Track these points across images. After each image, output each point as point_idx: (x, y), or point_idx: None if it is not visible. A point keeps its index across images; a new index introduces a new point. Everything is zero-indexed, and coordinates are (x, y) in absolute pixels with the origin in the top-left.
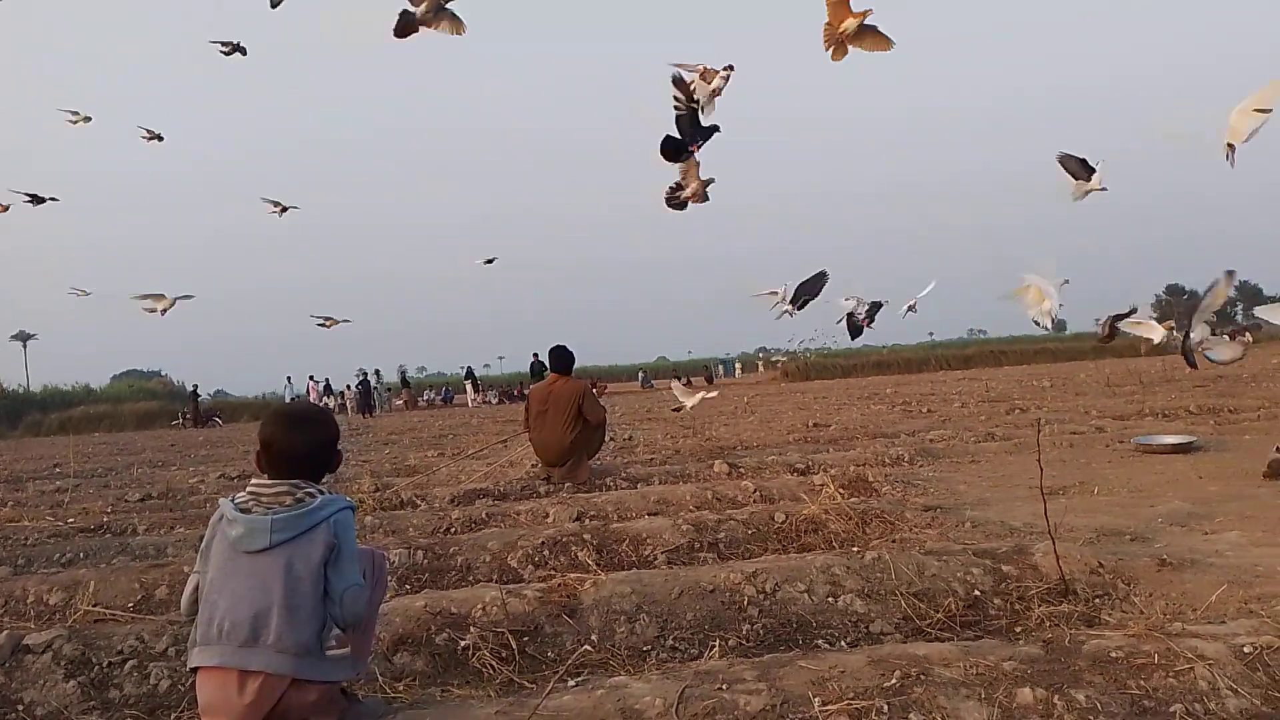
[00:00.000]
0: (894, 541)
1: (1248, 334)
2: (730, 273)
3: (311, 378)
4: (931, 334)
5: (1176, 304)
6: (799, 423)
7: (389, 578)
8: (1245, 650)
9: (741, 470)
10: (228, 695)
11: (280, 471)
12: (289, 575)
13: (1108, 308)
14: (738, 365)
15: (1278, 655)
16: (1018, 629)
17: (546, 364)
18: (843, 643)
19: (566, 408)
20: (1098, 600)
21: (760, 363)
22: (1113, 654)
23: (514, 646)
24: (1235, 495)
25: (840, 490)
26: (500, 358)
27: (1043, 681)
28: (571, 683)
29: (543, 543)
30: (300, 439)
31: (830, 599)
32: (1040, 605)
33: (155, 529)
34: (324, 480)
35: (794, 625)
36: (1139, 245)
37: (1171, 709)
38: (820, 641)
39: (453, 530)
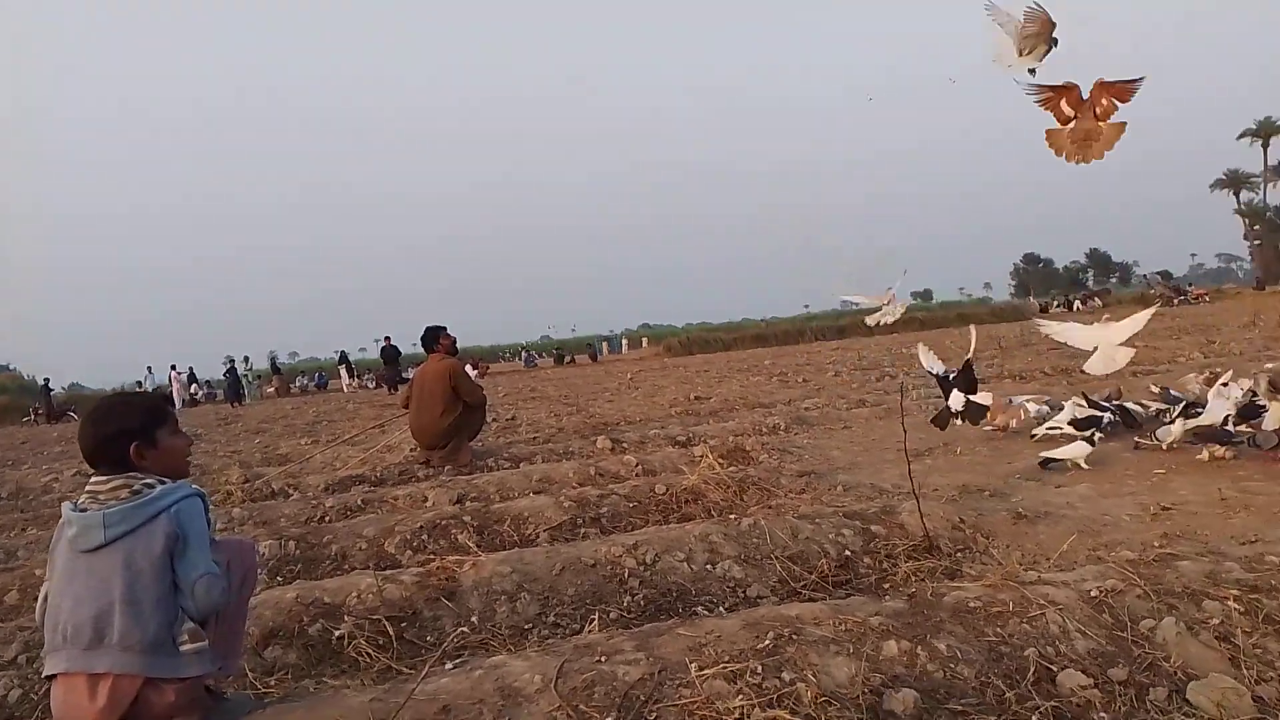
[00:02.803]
0: (770, 508)
1: (1097, 298)
2: (610, 247)
3: (174, 367)
4: (807, 306)
5: (1033, 272)
6: (681, 396)
7: (258, 570)
8: (1092, 594)
9: (624, 445)
10: (78, 701)
11: (103, 467)
12: (129, 570)
13: (973, 278)
14: (624, 341)
15: (1121, 598)
16: (886, 585)
17: (398, 348)
18: (721, 608)
19: (439, 389)
20: (960, 554)
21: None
22: (972, 604)
23: (391, 633)
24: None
25: (719, 460)
26: (376, 340)
27: (907, 634)
28: (449, 665)
29: (421, 527)
30: (88, 432)
31: (709, 566)
32: (907, 562)
33: (5, 531)
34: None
35: (674, 594)
36: (999, 217)
37: (1025, 653)
38: (700, 608)
39: (327, 519)
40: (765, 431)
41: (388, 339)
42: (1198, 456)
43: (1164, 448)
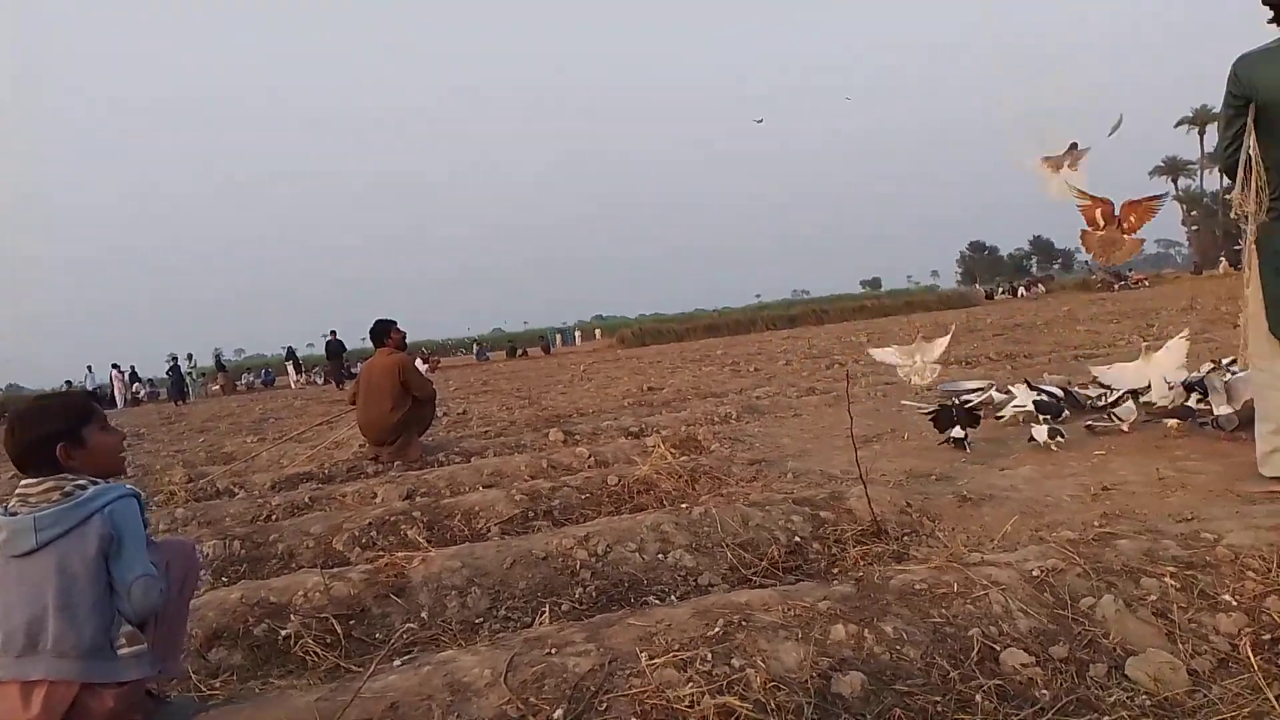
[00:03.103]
0: (721, 496)
1: (1040, 285)
2: (562, 239)
3: (115, 366)
4: (759, 296)
5: (979, 260)
6: (634, 387)
7: (201, 571)
8: (1034, 574)
9: (577, 437)
10: (12, 709)
11: (32, 470)
12: (62, 574)
13: (921, 266)
14: (577, 333)
15: (1062, 577)
16: (835, 570)
17: (343, 342)
18: (673, 597)
19: (388, 384)
20: (907, 538)
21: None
22: (917, 586)
23: (339, 631)
24: (1026, 433)
25: (671, 450)
26: (324, 336)
27: (854, 617)
28: (398, 662)
29: (370, 523)
30: (12, 438)
31: (661, 556)
32: (855, 546)
33: None
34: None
35: (626, 585)
36: (946, 207)
37: (970, 633)
38: (651, 598)
39: (273, 517)
40: (717, 421)
41: (333, 333)
42: (1159, 433)
43: (1125, 428)
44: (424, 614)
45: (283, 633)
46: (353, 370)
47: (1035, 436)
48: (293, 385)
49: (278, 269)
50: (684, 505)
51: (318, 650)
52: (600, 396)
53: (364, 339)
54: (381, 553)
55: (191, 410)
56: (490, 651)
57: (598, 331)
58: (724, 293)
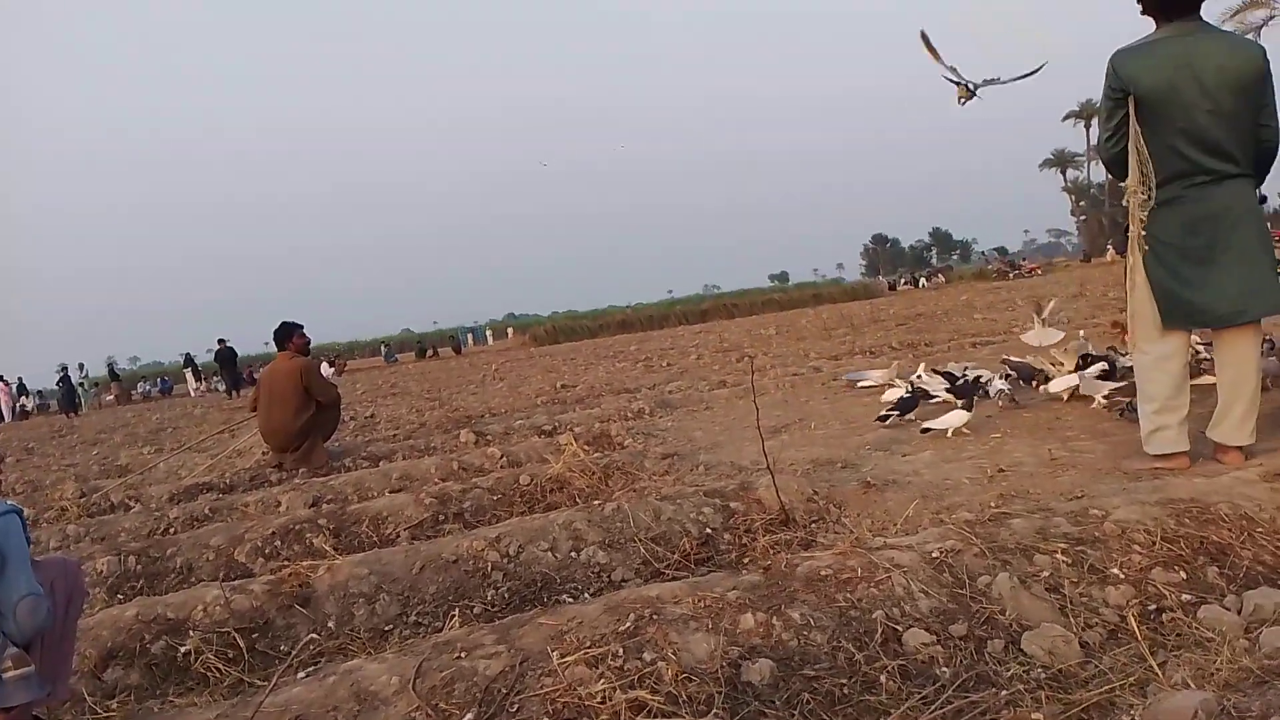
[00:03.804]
0: (634, 491)
1: (940, 275)
2: (472, 238)
3: (0, 378)
4: (671, 291)
5: (881, 252)
6: (547, 385)
7: (88, 589)
8: (934, 555)
9: (489, 437)
10: None
11: None
12: None
13: (827, 259)
14: (488, 332)
15: (960, 557)
16: (745, 560)
17: (235, 349)
18: (586, 594)
19: (290, 389)
20: (814, 525)
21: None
22: (823, 572)
23: (242, 645)
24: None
25: (584, 447)
26: (223, 341)
27: (763, 605)
28: (302, 674)
29: (273, 533)
30: None
31: (574, 554)
32: (765, 535)
33: None
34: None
35: (539, 584)
36: (849, 201)
37: (874, 615)
38: (565, 596)
39: (171, 530)
40: (630, 416)
41: (222, 342)
42: (1052, 415)
43: (1065, 398)
44: (330, 623)
45: (182, 649)
46: (254, 375)
47: (939, 425)
48: (192, 393)
49: (175, 275)
50: (597, 502)
51: (219, 666)
52: (512, 396)
53: (267, 343)
54: (286, 563)
55: (84, 422)
56: (398, 658)
57: (510, 330)
58: (637, 289)
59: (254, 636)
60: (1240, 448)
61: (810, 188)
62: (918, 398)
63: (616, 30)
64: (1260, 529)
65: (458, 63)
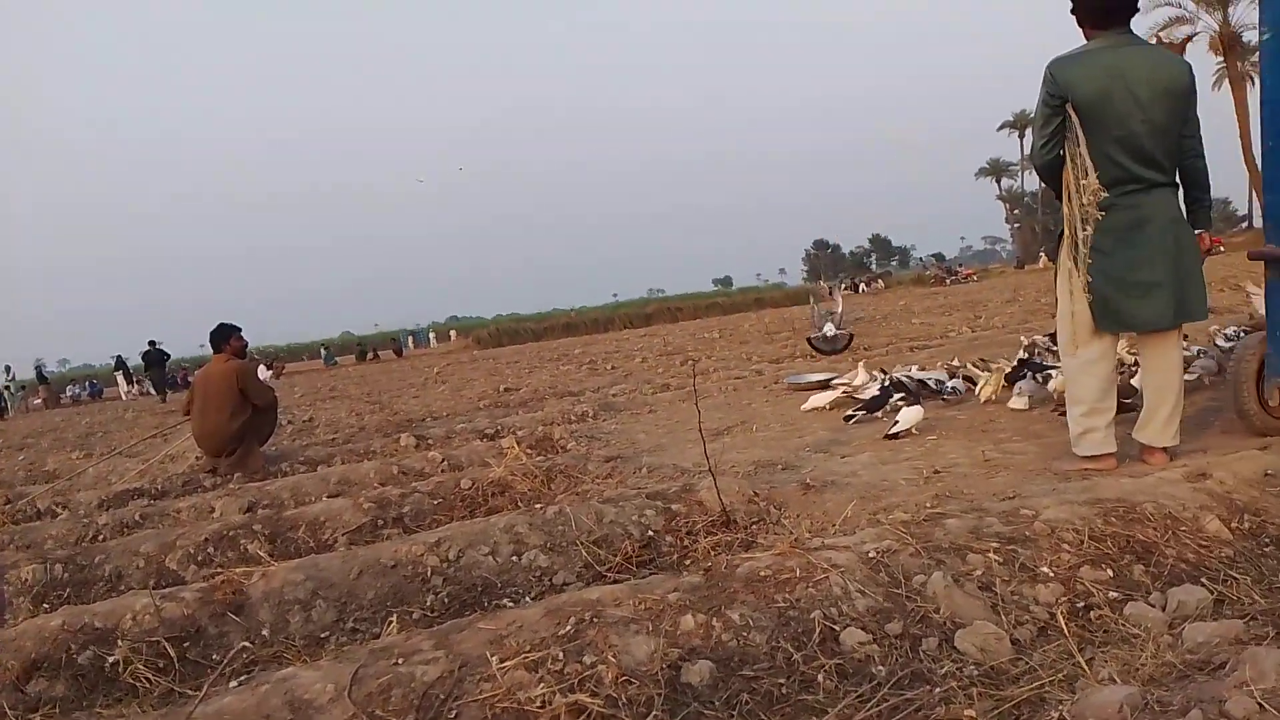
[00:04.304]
0: (577, 494)
1: (879, 280)
2: (410, 244)
3: None
4: (615, 295)
5: (822, 257)
6: (490, 389)
7: (16, 598)
8: (870, 555)
9: (430, 441)
10: None
11: None
12: None
13: (769, 265)
14: (432, 335)
15: (896, 557)
16: (687, 561)
17: (166, 351)
18: (527, 598)
19: (225, 392)
20: (754, 526)
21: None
22: (763, 573)
23: (173, 654)
24: (866, 420)
25: (527, 451)
26: (154, 342)
27: (703, 607)
28: (234, 683)
29: (206, 539)
30: None
31: (514, 558)
32: (706, 537)
33: None
34: None
35: (479, 589)
36: (791, 208)
37: (812, 615)
38: (506, 600)
39: (101, 537)
40: (574, 419)
41: (152, 343)
42: (986, 418)
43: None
44: (265, 631)
45: (110, 659)
46: (187, 379)
47: (900, 428)
48: (123, 396)
49: (106, 275)
50: (539, 505)
51: (149, 676)
52: (454, 399)
53: (203, 345)
54: (219, 570)
55: (10, 426)
56: (334, 666)
57: (452, 333)
58: (581, 292)
59: (185, 645)
60: (1165, 449)
61: (754, 194)
62: (889, 396)
63: (570, 38)
64: (1184, 528)
65: (411, 66)
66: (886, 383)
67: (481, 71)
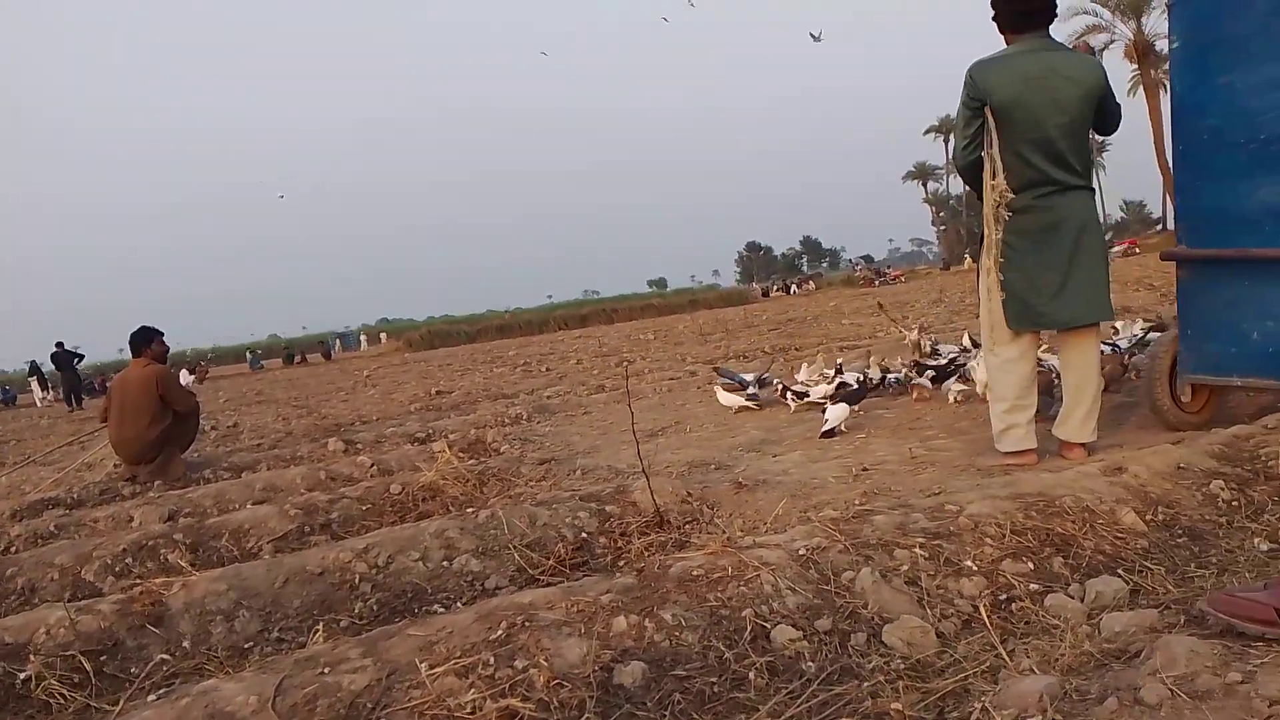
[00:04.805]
0: (510, 498)
1: (811, 282)
2: (338, 243)
3: None
4: (550, 296)
5: (755, 259)
6: (421, 392)
7: None
8: (801, 553)
9: (359, 445)
10: None
11: None
12: None
13: (703, 266)
14: (362, 337)
15: (826, 553)
16: (620, 563)
17: (76, 352)
18: (458, 604)
19: (144, 398)
20: (688, 526)
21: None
22: (695, 573)
23: (89, 669)
24: (798, 420)
25: (459, 454)
26: (73, 347)
27: (635, 608)
28: (153, 697)
29: (125, 549)
30: None
31: (445, 563)
32: (640, 538)
33: None
34: None
35: (410, 595)
36: (724, 208)
37: (743, 613)
38: (437, 606)
39: (12, 549)
40: (507, 422)
41: (60, 345)
42: (913, 416)
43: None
44: (185, 643)
45: (21, 675)
46: (105, 384)
47: (831, 425)
48: (38, 403)
49: (19, 276)
50: (471, 510)
51: (64, 692)
52: (385, 403)
53: (122, 349)
54: (138, 581)
55: None
56: (257, 677)
57: (383, 335)
58: (516, 293)
59: (102, 659)
60: (1083, 444)
61: (688, 196)
62: (866, 389)
63: (491, 37)
64: (1101, 520)
65: (333, 66)
66: (862, 378)
67: (417, 65)
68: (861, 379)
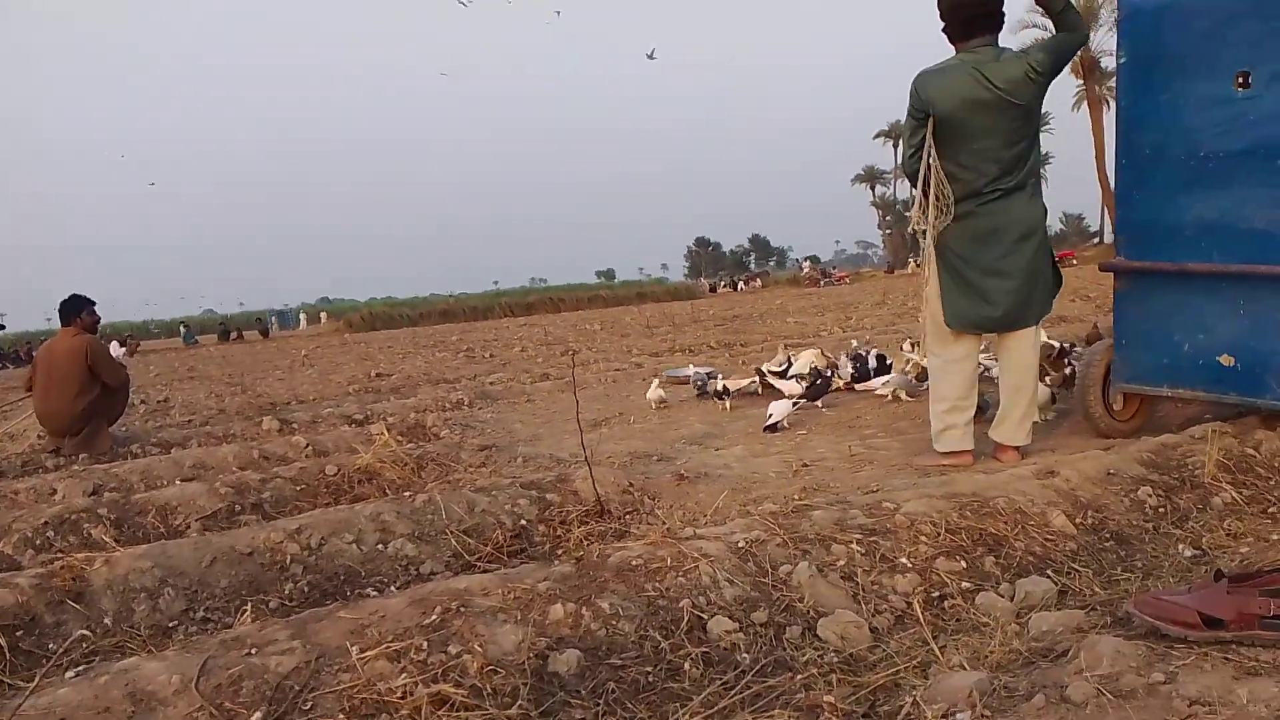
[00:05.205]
0: (448, 483)
1: (757, 279)
2: (276, 214)
3: None
4: (496, 282)
5: (704, 255)
6: (361, 374)
7: None
8: (739, 545)
9: (294, 426)
10: None
11: None
12: None
13: (651, 259)
14: (302, 316)
15: (764, 547)
16: (559, 551)
17: None
18: (392, 588)
19: (73, 368)
20: (629, 516)
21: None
22: (634, 562)
23: (4, 644)
24: (740, 415)
25: (398, 438)
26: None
27: (573, 596)
28: (71, 674)
29: (46, 523)
30: None
31: (380, 546)
32: (580, 527)
33: None
34: None
35: (342, 578)
36: (674, 205)
37: (681, 604)
38: (370, 590)
39: None
40: (448, 407)
41: None
42: (853, 415)
43: (890, 396)
44: (107, 620)
45: None
46: (31, 353)
47: (775, 419)
48: None
49: None
50: (408, 494)
51: None
52: (323, 383)
53: (49, 318)
54: (59, 555)
55: None
56: (180, 656)
57: (323, 315)
58: (461, 278)
59: (18, 635)
60: (1017, 447)
61: (639, 189)
62: (830, 383)
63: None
64: (1032, 521)
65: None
66: (827, 371)
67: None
68: (822, 373)
